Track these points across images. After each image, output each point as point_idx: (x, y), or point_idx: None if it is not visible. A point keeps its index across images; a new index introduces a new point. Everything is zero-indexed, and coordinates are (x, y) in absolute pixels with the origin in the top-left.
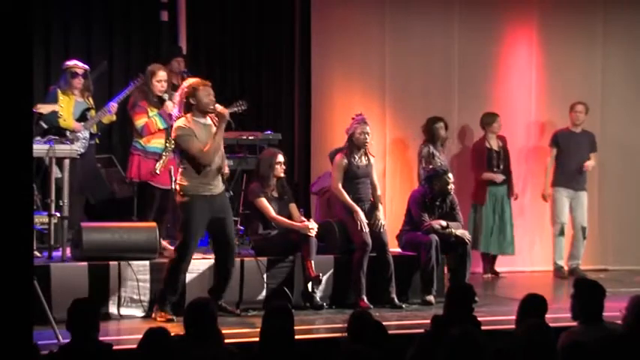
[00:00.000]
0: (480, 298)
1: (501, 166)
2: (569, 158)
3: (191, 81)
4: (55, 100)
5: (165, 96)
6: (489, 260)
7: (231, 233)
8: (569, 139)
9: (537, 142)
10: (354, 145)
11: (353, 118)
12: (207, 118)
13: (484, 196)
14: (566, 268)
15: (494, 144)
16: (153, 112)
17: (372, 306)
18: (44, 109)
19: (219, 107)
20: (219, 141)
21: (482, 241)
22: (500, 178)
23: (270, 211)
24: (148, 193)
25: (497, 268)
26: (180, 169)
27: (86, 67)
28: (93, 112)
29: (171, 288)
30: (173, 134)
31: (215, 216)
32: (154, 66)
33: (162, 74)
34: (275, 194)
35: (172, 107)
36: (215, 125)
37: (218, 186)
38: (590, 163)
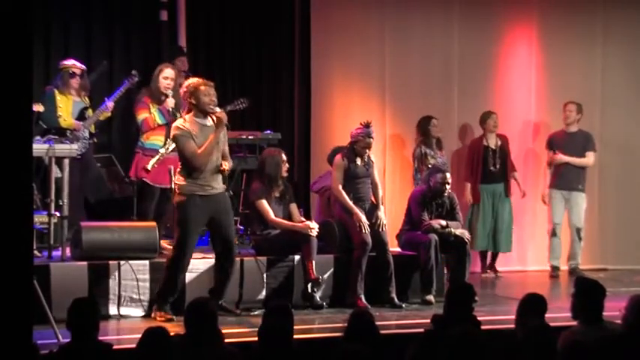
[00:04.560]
0: (479, 297)
1: (498, 165)
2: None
3: (192, 80)
4: (52, 100)
5: (170, 92)
6: (490, 258)
7: (230, 233)
8: (563, 140)
9: (536, 142)
10: (354, 150)
11: (360, 127)
12: (208, 119)
13: (478, 195)
14: (563, 267)
15: (492, 142)
16: (154, 108)
17: (369, 306)
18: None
19: (217, 110)
20: (213, 145)
21: (479, 241)
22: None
23: (270, 213)
24: (147, 192)
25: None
26: (178, 169)
27: (83, 67)
28: (90, 110)
29: (169, 288)
30: (171, 133)
31: (213, 215)
32: (162, 64)
33: (169, 72)
34: (277, 194)
35: (173, 104)
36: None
37: (217, 186)
38: (573, 160)
